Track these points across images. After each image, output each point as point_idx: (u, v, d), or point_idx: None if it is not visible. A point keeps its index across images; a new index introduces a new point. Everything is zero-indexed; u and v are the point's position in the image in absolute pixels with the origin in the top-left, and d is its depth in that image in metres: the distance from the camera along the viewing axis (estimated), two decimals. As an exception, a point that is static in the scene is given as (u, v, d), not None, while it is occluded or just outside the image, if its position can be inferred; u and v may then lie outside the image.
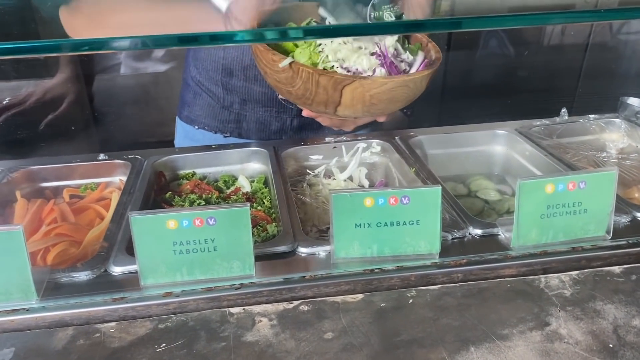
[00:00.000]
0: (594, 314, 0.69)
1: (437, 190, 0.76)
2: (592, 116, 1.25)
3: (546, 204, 0.78)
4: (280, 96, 1.10)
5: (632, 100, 1.24)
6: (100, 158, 1.12)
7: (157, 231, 0.72)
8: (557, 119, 1.24)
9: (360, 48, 0.94)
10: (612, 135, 1.24)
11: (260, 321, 0.69)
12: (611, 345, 0.65)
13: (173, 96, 1.42)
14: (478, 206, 1.12)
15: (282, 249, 0.81)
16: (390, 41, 0.95)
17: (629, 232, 0.84)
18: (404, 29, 0.96)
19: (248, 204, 0.72)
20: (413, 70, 0.97)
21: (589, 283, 0.75)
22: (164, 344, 0.66)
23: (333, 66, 0.91)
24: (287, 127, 1.23)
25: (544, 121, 1.23)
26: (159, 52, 2.10)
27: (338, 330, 0.68)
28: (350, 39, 0.93)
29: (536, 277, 0.76)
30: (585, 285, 0.74)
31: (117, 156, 1.13)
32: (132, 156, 1.12)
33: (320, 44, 0.93)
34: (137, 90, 2.10)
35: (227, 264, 0.75)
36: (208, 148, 1.16)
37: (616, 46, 2.68)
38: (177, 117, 1.36)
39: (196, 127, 1.28)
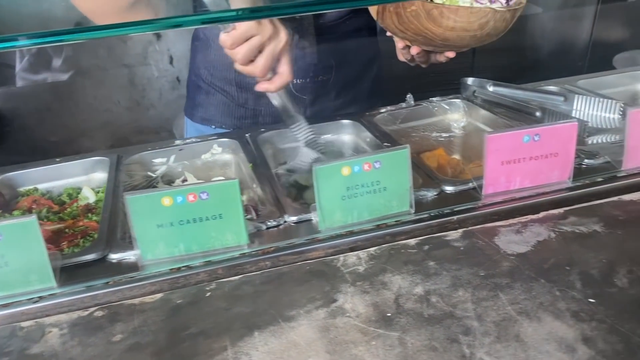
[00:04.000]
0: (381, 286, 0.73)
1: (234, 183, 0.77)
2: (435, 99, 1.31)
3: (345, 185, 0.82)
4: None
5: (471, 81, 1.31)
6: None
7: (-61, 252, 0.70)
8: (403, 104, 1.29)
9: None
10: (454, 115, 1.30)
11: (50, 332, 0.69)
12: (389, 314, 0.68)
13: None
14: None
15: (92, 256, 0.80)
16: None
17: (435, 204, 0.88)
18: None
19: (34, 216, 0.71)
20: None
21: (383, 257, 0.78)
22: (-58, 367, 0.64)
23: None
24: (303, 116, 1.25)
25: (390, 107, 1.28)
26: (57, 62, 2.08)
27: (128, 331, 0.68)
28: None
29: (335, 257, 0.79)
30: (380, 260, 0.78)
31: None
32: (-32, 178, 1.08)
33: None
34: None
35: (23, 279, 0.73)
36: (51, 162, 1.13)
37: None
38: (186, 119, 1.40)
39: (213, 126, 1.33)
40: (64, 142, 2.68)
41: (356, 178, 0.82)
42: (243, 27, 0.91)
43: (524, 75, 1.51)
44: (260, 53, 0.96)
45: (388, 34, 1.10)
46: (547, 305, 0.68)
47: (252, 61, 0.97)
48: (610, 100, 1.17)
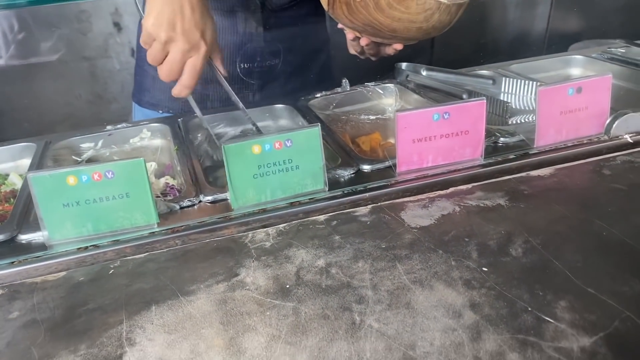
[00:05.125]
0: (284, 260, 0.74)
1: (140, 161, 0.78)
2: (369, 84, 1.32)
3: (256, 164, 0.82)
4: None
5: (405, 66, 1.33)
6: None
7: None
8: (339, 89, 1.31)
9: None
10: (388, 99, 1.32)
11: (-54, 311, 0.68)
12: (288, 286, 0.69)
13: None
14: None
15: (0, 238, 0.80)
16: None
17: (352, 183, 0.90)
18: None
19: None
20: None
21: (291, 233, 0.79)
22: None
23: None
24: (250, 102, 1.27)
25: (325, 92, 1.29)
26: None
27: (26, 309, 0.68)
28: None
29: (245, 234, 0.80)
30: (287, 236, 0.79)
31: None
32: None
33: None
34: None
35: None
36: (-23, 149, 1.12)
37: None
38: (134, 105, 1.37)
39: (160, 111, 1.32)
40: (25, 137, 2.64)
41: (267, 156, 0.83)
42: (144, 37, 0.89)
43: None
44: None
45: (340, 26, 1.11)
46: (441, 274, 0.70)
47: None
48: (534, 82, 1.20)
